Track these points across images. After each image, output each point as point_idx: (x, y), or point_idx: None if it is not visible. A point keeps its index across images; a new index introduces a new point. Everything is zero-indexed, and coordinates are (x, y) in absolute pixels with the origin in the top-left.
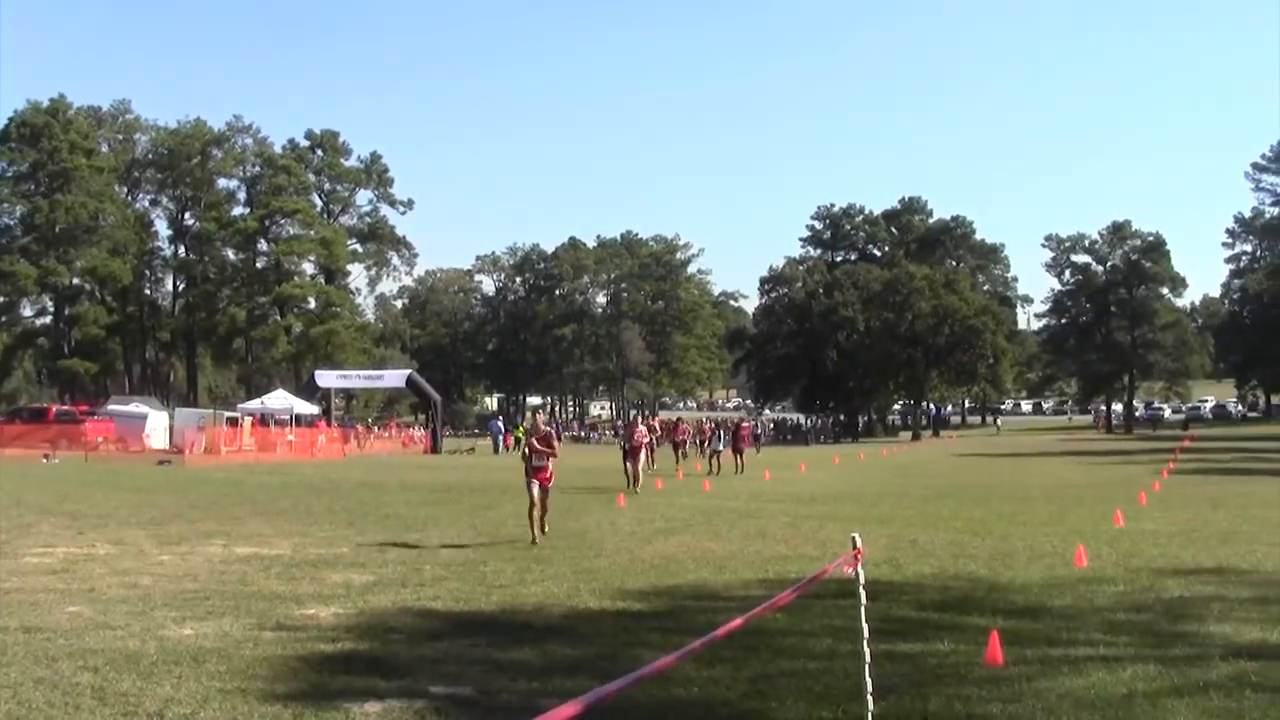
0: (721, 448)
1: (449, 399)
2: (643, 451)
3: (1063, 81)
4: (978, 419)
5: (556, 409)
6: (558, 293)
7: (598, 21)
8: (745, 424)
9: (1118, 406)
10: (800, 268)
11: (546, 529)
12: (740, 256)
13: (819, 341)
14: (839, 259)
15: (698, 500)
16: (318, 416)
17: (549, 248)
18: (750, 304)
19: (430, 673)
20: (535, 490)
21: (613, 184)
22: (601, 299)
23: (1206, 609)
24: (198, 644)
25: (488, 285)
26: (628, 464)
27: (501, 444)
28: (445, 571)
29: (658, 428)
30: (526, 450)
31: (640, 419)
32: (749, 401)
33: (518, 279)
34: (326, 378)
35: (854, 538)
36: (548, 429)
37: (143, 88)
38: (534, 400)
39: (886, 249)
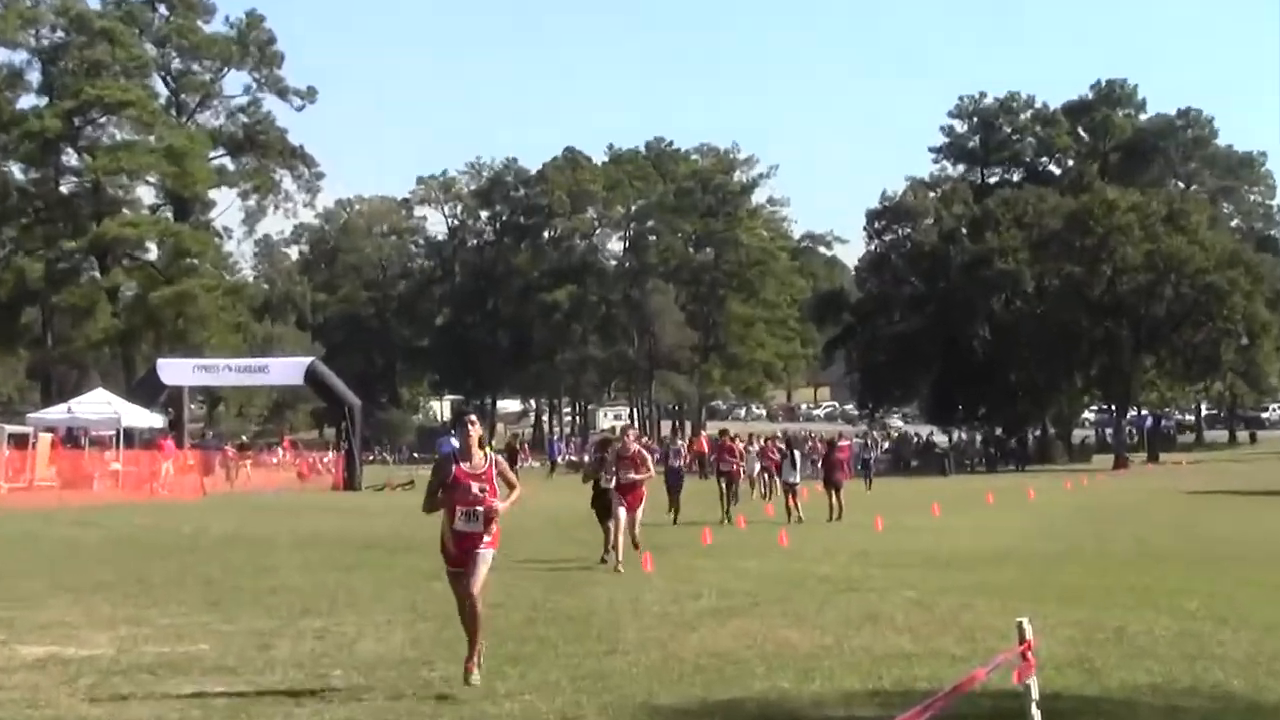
0: (797, 480)
1: (374, 403)
2: (641, 499)
3: None
4: (1222, 433)
5: (546, 419)
6: (546, 235)
7: None
8: (843, 443)
9: None
10: (931, 195)
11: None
12: (835, 178)
13: (961, 310)
14: (993, 180)
15: (769, 562)
16: (161, 432)
17: (532, 164)
18: (852, 252)
19: None
20: (619, 516)
21: (631, 67)
22: (616, 245)
23: None
24: None
25: (435, 223)
26: (610, 520)
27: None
28: (366, 679)
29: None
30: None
31: (628, 430)
32: (849, 407)
33: (483, 214)
34: (176, 370)
35: (1020, 624)
36: (637, 446)
37: None
38: (508, 405)
39: (1070, 163)
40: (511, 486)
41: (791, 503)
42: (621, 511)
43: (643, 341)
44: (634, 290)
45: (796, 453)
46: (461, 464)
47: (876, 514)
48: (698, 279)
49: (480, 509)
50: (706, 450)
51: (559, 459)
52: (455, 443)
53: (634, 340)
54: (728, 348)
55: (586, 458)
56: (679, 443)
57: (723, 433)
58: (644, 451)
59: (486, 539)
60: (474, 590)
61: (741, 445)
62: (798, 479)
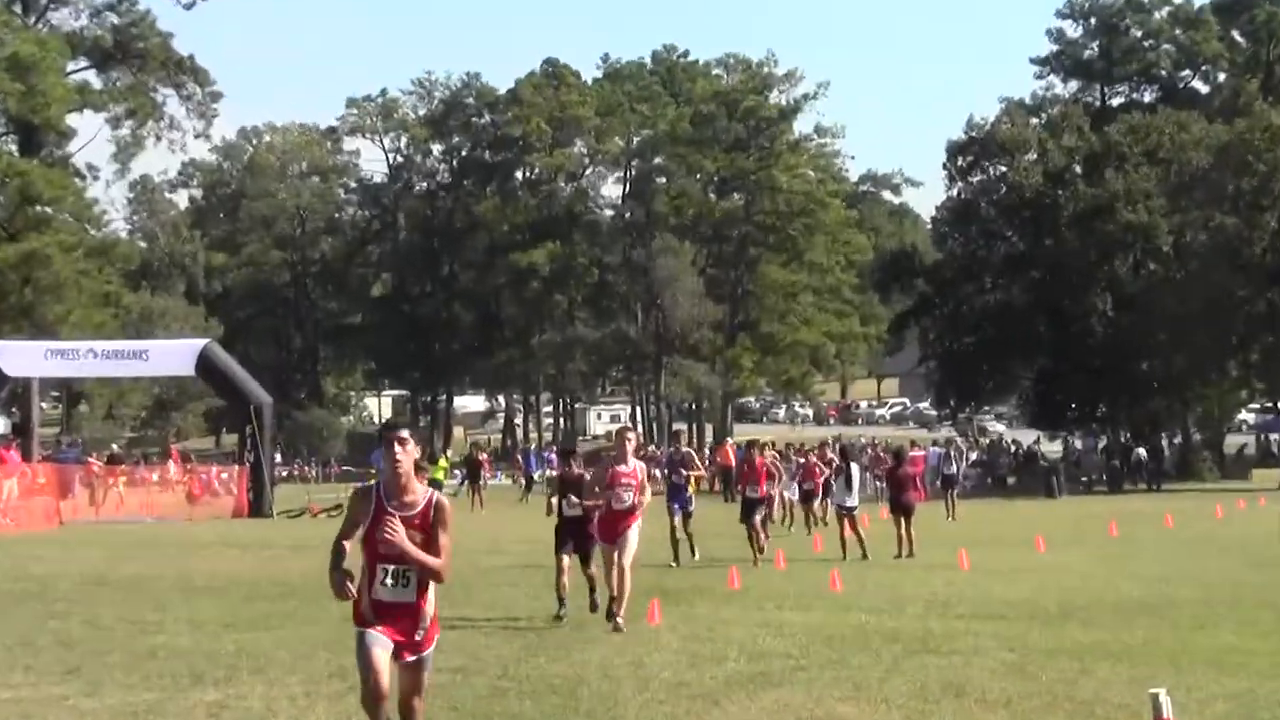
0: (855, 503)
1: (289, 401)
2: (632, 525)
3: None
4: None
5: (520, 422)
6: (520, 177)
7: None
8: (915, 454)
9: None
10: (1034, 121)
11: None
12: (904, 99)
13: (1074, 276)
14: (1116, 101)
15: (816, 613)
16: (2, 440)
17: (501, 82)
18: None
19: None
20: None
21: None
22: (612, 190)
23: None
24: None
25: (372, 161)
26: (578, 557)
27: None
28: None
29: (714, 462)
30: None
31: (625, 436)
32: (924, 405)
33: (435, 148)
34: (21, 356)
35: (1156, 698)
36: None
37: None
38: (469, 402)
39: (1222, 78)
40: (438, 554)
41: (848, 533)
42: (607, 548)
43: (648, 319)
44: (637, 250)
45: (854, 467)
46: (387, 501)
47: (960, 548)
48: (722, 235)
49: (412, 572)
50: (732, 464)
51: (536, 474)
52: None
53: (636, 317)
54: (761, 326)
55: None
56: (684, 451)
57: (751, 444)
58: (644, 467)
59: (418, 634)
60: (414, 703)
61: (773, 458)
62: (855, 501)
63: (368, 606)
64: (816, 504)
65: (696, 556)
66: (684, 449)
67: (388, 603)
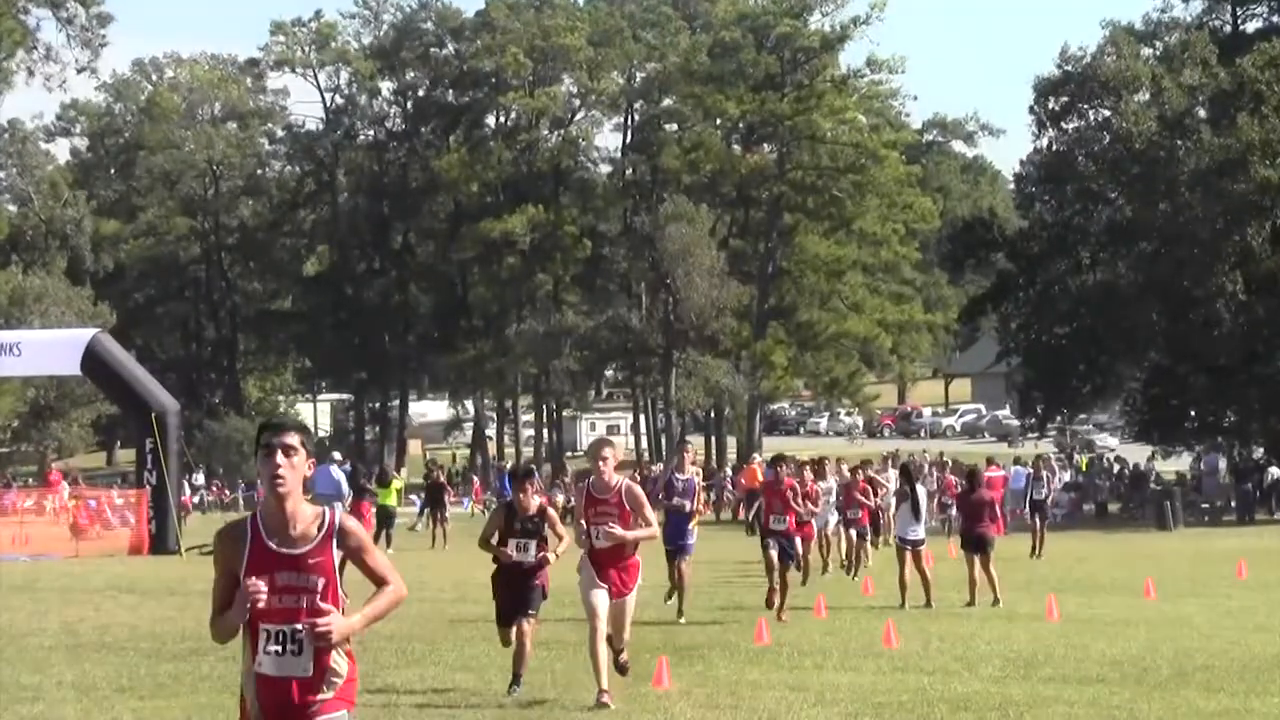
0: (921, 535)
1: (200, 406)
2: (635, 579)
3: None
4: None
5: (493, 433)
6: (492, 123)
7: None
8: (994, 473)
9: None
10: (1146, 52)
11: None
12: (978, 27)
13: (1197, 250)
14: (1251, 25)
15: (868, 674)
16: None
17: (467, 3)
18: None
19: None
20: (600, 603)
21: None
22: (610, 139)
23: None
24: None
25: (303, 101)
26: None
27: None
28: None
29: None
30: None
31: (601, 450)
32: (1003, 413)
33: (384, 85)
34: None
35: None
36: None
37: None
38: (429, 409)
39: None
40: (379, 583)
41: (909, 573)
42: (598, 600)
43: (654, 303)
44: (640, 216)
45: (921, 490)
46: (268, 539)
47: (1048, 593)
48: (748, 197)
49: (309, 631)
50: (759, 487)
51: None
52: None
53: (639, 301)
54: (798, 314)
55: (561, 497)
56: (688, 472)
57: (778, 460)
58: (636, 489)
59: (324, 695)
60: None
61: (810, 483)
62: (921, 533)
63: (250, 694)
64: (864, 538)
65: (683, 618)
66: (685, 470)
67: (275, 679)
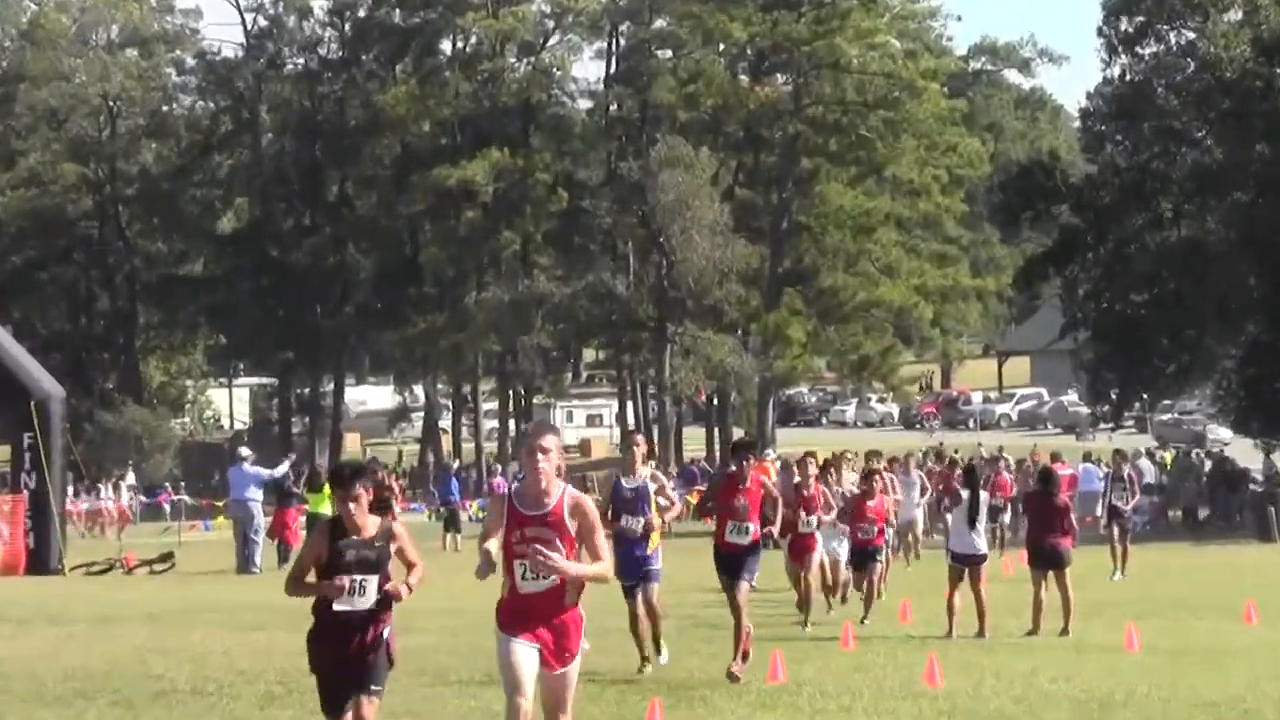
0: (981, 548)
1: (88, 394)
2: (577, 636)
3: None
4: None
5: (448, 424)
6: (447, 48)
7: None
8: (1063, 470)
9: None
10: None
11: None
12: None
13: None
14: None
15: (904, 718)
16: None
17: None
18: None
19: None
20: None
21: None
22: (591, 67)
23: None
24: None
25: (219, 23)
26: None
27: (262, 540)
28: None
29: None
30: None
31: (539, 438)
32: (1069, 397)
33: (316, 1)
34: None
35: None
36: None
37: None
38: (371, 396)
39: None
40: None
41: (957, 597)
42: (522, 666)
43: (645, 267)
44: (627, 161)
45: (983, 496)
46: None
47: (1127, 621)
48: (758, 138)
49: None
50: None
51: (466, 506)
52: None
53: (627, 264)
54: (819, 278)
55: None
56: (639, 475)
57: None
58: (586, 504)
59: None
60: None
61: (829, 484)
62: (982, 547)
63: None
64: (879, 567)
65: (664, 657)
66: (635, 473)
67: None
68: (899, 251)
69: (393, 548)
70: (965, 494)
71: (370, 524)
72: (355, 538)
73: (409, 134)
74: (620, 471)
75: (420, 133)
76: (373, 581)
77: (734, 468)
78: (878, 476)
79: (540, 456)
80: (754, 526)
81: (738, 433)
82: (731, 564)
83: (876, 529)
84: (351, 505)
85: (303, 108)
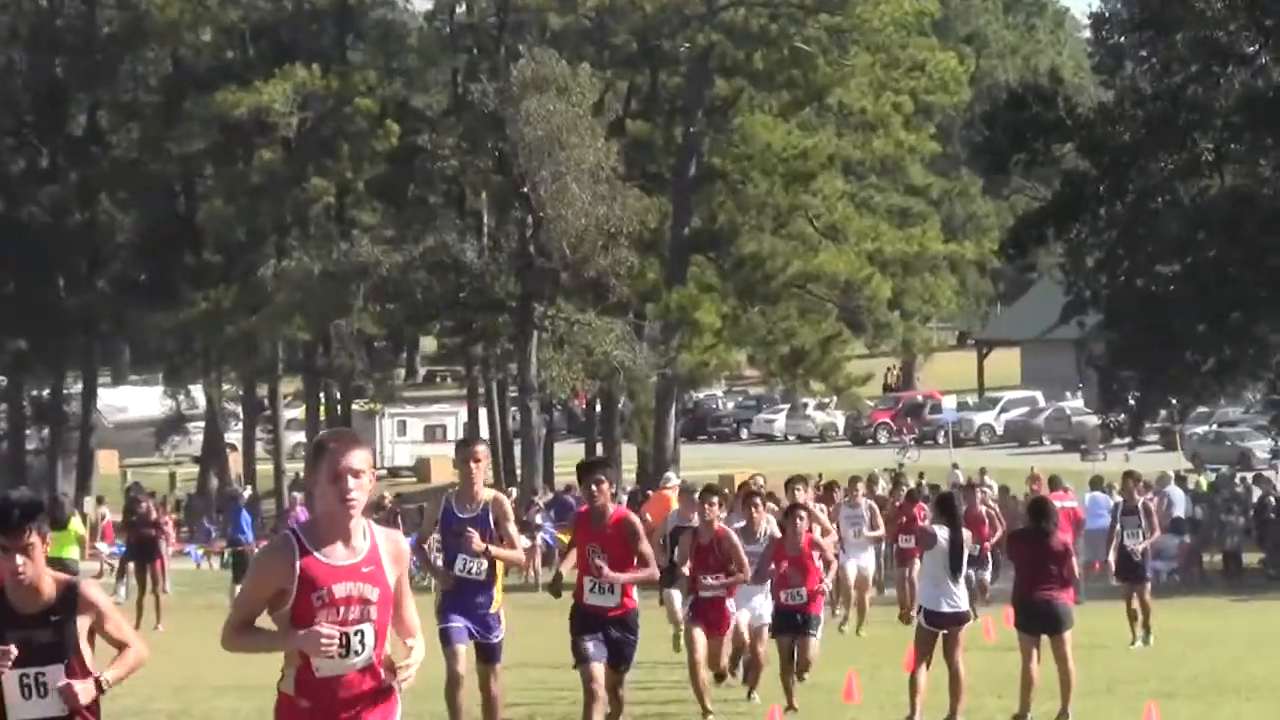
0: (955, 605)
1: None
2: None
3: None
4: None
5: (236, 437)
6: None
7: None
8: (1063, 501)
9: None
10: None
11: None
12: None
13: None
14: None
15: None
16: None
17: None
18: None
19: None
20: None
21: None
22: None
23: None
24: None
25: None
26: None
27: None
28: None
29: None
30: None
31: (342, 444)
32: (1072, 406)
33: None
34: None
35: None
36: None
37: None
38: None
39: None
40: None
41: (919, 671)
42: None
43: (502, 225)
44: (480, 82)
45: (965, 535)
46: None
47: (1148, 699)
48: (657, 50)
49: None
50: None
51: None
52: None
53: (480, 221)
54: (739, 242)
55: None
56: (478, 503)
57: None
58: (397, 542)
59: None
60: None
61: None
62: (962, 603)
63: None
64: (813, 644)
65: None
66: (473, 501)
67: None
68: (846, 206)
69: (82, 623)
70: (942, 532)
71: (47, 587)
72: (22, 611)
73: (182, 44)
74: (453, 494)
75: (197, 43)
76: (46, 674)
77: (584, 499)
78: (803, 512)
79: (349, 481)
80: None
81: (627, 451)
82: (588, 628)
83: (807, 591)
84: (19, 562)
85: (37, 9)
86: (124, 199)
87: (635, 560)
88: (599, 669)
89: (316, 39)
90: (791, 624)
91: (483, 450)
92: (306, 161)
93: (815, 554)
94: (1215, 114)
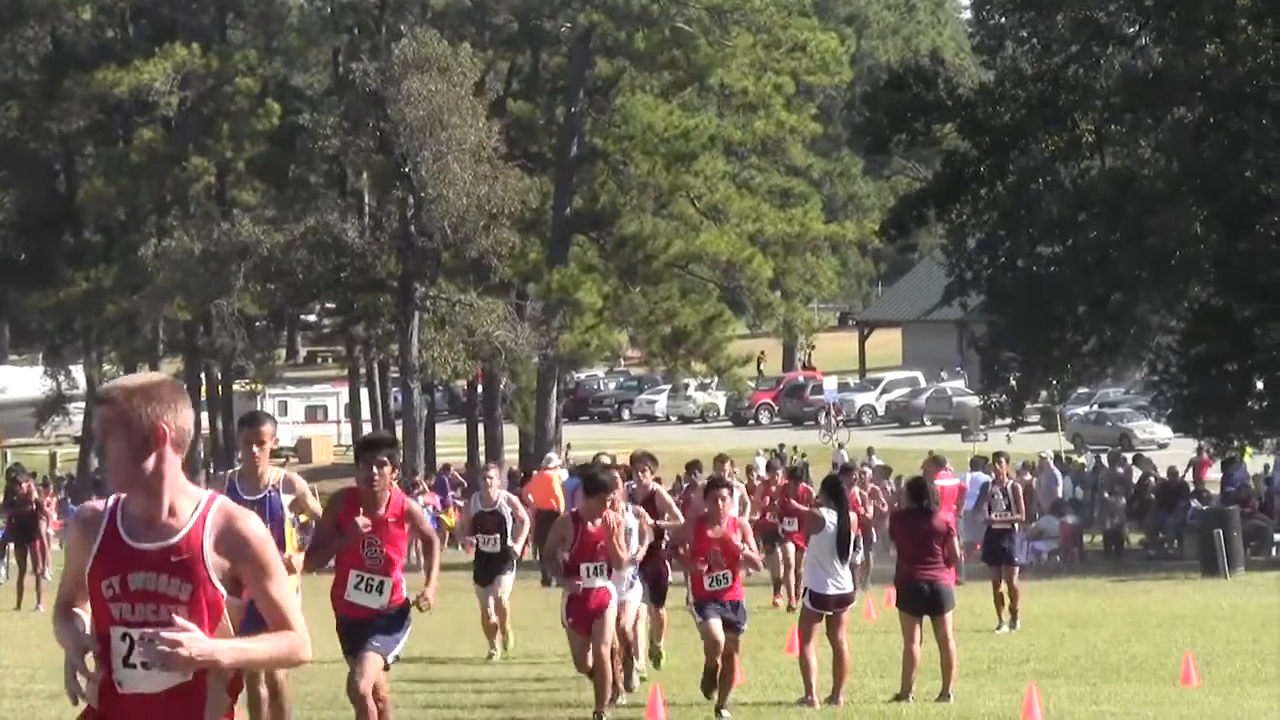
0: (841, 587)
1: None
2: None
3: None
4: None
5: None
6: None
7: None
8: (946, 481)
9: None
10: None
11: None
12: None
13: (1261, 121)
14: None
15: None
16: None
17: None
18: None
19: None
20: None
21: None
22: None
23: None
24: None
25: None
26: None
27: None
28: None
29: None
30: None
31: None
32: (953, 386)
33: None
34: None
35: None
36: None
37: None
38: (11, 380)
39: None
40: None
41: (810, 652)
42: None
43: (383, 204)
44: (361, 61)
45: (852, 517)
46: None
47: (1029, 679)
48: (538, 29)
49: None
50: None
51: None
52: None
53: (362, 202)
54: (620, 222)
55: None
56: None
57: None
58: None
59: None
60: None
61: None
62: (847, 584)
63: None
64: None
65: None
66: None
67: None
68: (728, 187)
69: None
70: (830, 516)
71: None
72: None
73: (60, 22)
74: (236, 475)
75: (77, 22)
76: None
77: (360, 481)
78: (726, 492)
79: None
80: (391, 580)
81: (509, 432)
82: (356, 639)
83: (731, 575)
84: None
85: None
86: (3, 177)
87: (421, 545)
88: (372, 664)
89: (197, 18)
90: (722, 614)
91: (268, 430)
92: (187, 141)
93: (738, 535)
94: (1096, 95)
